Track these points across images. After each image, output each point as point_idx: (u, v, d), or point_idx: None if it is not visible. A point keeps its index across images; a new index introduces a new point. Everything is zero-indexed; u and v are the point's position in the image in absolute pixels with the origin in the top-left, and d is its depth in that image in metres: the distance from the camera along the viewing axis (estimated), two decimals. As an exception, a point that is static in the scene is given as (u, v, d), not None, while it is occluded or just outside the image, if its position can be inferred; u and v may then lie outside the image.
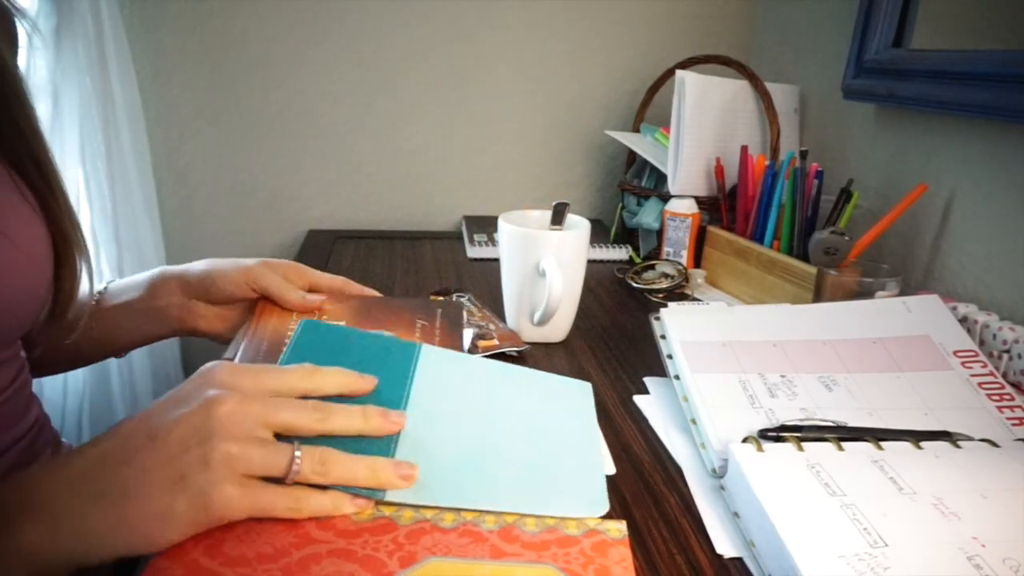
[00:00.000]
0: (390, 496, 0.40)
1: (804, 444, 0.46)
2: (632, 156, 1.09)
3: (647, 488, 0.48)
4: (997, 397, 0.53)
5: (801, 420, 0.50)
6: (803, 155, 0.79)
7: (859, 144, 0.92)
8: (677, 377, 0.56)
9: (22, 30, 0.51)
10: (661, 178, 0.99)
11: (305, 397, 0.41)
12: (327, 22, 1.08)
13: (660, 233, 0.96)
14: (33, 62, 0.80)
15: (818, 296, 0.70)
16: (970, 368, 0.55)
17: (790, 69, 1.09)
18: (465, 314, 0.70)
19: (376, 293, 0.64)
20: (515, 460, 0.45)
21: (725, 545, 0.42)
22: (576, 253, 0.67)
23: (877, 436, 0.47)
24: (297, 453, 0.37)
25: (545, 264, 0.64)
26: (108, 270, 0.94)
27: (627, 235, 1.06)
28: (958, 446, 0.47)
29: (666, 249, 0.95)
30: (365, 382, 0.44)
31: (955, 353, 0.57)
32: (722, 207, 0.93)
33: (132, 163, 0.98)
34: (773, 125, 0.95)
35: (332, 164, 1.16)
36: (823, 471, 0.43)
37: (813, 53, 1.03)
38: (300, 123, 1.13)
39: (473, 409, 0.48)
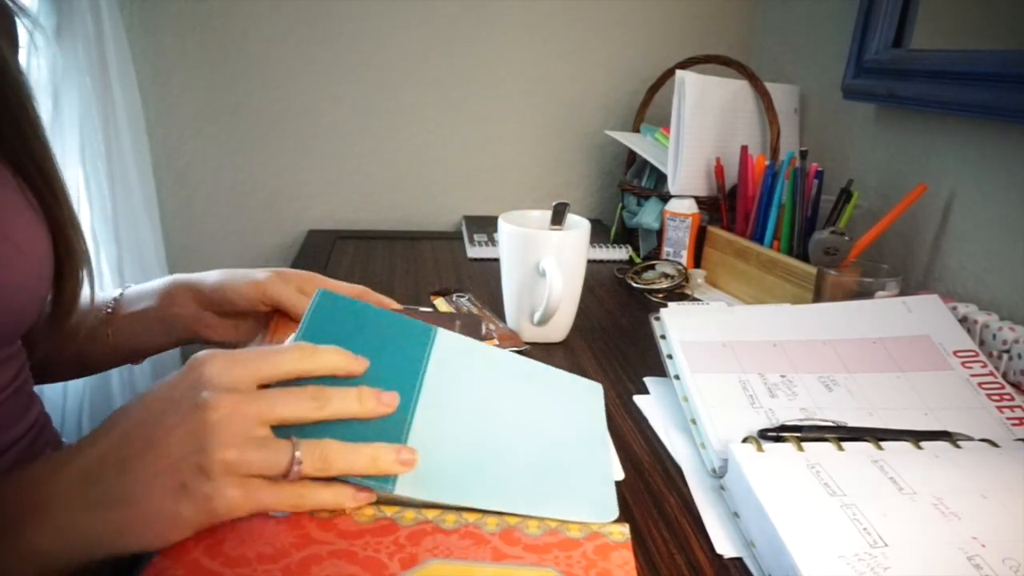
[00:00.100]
0: (399, 490, 0.39)
1: (804, 444, 0.46)
2: (632, 156, 1.09)
3: (647, 488, 0.48)
4: (997, 397, 0.53)
5: (801, 420, 0.50)
6: (803, 155, 0.79)
7: (859, 144, 0.92)
8: (677, 377, 0.56)
9: (22, 29, 0.51)
10: (661, 178, 0.99)
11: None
12: (327, 22, 1.08)
13: (660, 233, 0.96)
14: (34, 62, 0.80)
15: (818, 296, 0.70)
16: (970, 368, 0.55)
17: (790, 69, 1.09)
18: (484, 327, 0.69)
19: (395, 304, 0.63)
20: (526, 461, 0.44)
21: (725, 545, 0.42)
22: (576, 253, 0.67)
23: (877, 436, 0.47)
24: (298, 453, 0.37)
25: (545, 264, 0.64)
26: (108, 270, 0.94)
27: (627, 235, 1.06)
28: (958, 446, 0.47)
29: (666, 249, 0.95)
30: (358, 364, 0.42)
31: (955, 353, 0.57)
32: (722, 207, 0.93)
33: (132, 163, 0.98)
34: (773, 125, 0.95)
35: (332, 164, 1.16)
36: (823, 471, 0.43)
37: (813, 53, 1.03)
38: (300, 123, 1.13)
39: (486, 403, 0.47)
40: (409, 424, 0.42)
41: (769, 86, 0.96)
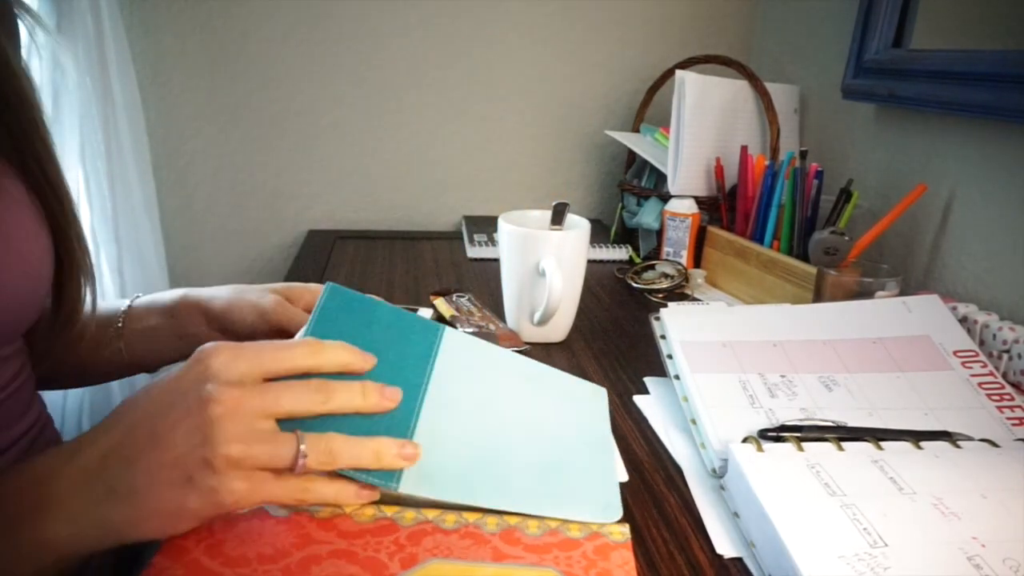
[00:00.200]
0: (403, 487, 0.39)
1: (804, 444, 0.46)
2: (632, 156, 1.09)
3: (647, 488, 0.48)
4: (997, 397, 0.53)
5: (801, 420, 0.50)
6: (803, 155, 0.79)
7: (859, 144, 0.92)
8: (677, 377, 0.56)
9: (23, 29, 0.51)
10: (661, 178, 0.99)
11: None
12: (327, 23, 1.08)
13: (660, 233, 0.96)
14: (35, 62, 0.80)
15: (818, 296, 0.70)
16: (970, 368, 0.55)
17: (790, 69, 1.09)
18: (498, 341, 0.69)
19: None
20: (530, 461, 0.44)
21: (725, 545, 0.42)
22: (576, 253, 0.67)
23: (877, 436, 0.47)
24: (303, 447, 0.37)
25: (545, 264, 0.64)
26: (108, 270, 0.94)
27: (627, 235, 1.06)
28: (958, 446, 0.47)
29: (666, 249, 0.95)
30: (365, 360, 0.42)
31: (955, 353, 0.57)
32: (722, 207, 0.93)
33: (132, 163, 0.98)
34: (773, 125, 0.95)
35: (332, 164, 1.16)
36: (823, 471, 0.43)
37: (813, 53, 1.03)
38: (300, 123, 1.13)
39: (491, 402, 0.47)
40: (415, 421, 0.43)
41: (769, 86, 0.96)
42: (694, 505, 0.46)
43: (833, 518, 0.39)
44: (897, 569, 0.36)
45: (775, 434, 0.48)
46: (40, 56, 0.81)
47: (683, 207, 0.92)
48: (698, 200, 0.93)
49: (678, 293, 0.88)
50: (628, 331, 0.76)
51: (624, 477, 0.47)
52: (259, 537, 0.38)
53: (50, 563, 0.36)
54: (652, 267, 0.92)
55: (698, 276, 0.90)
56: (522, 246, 0.66)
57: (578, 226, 0.70)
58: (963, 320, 0.61)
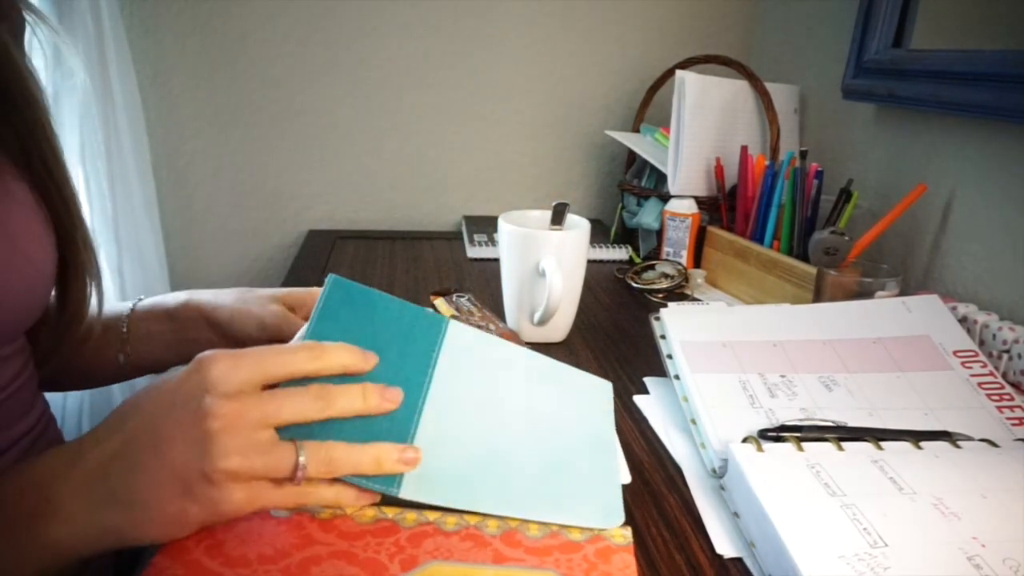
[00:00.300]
0: (404, 492, 0.39)
1: (804, 444, 0.46)
2: (632, 156, 1.09)
3: (647, 488, 0.48)
4: (997, 397, 0.53)
5: (801, 420, 0.50)
6: (803, 155, 0.79)
7: (859, 144, 0.92)
8: (677, 377, 0.56)
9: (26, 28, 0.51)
10: (661, 178, 0.99)
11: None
12: (327, 23, 1.08)
13: (660, 233, 0.96)
14: (36, 61, 0.80)
15: (818, 296, 0.70)
16: (970, 368, 0.55)
17: (790, 69, 1.09)
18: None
19: None
20: (532, 463, 0.44)
21: (725, 545, 0.42)
22: (576, 253, 0.67)
23: (877, 436, 0.47)
24: (302, 459, 0.36)
25: (545, 264, 0.64)
26: (108, 270, 0.94)
27: (627, 235, 1.06)
28: (958, 446, 0.47)
29: (666, 249, 0.95)
30: (366, 360, 0.42)
31: (955, 353, 0.57)
32: (722, 207, 0.93)
33: (132, 163, 0.98)
34: (773, 125, 0.95)
35: (332, 164, 1.16)
36: (823, 471, 0.43)
37: (813, 53, 1.03)
38: (300, 123, 1.13)
39: (494, 401, 0.47)
40: (416, 422, 0.42)
41: (769, 86, 0.96)
42: (694, 505, 0.46)
43: (833, 518, 0.39)
44: (897, 569, 0.36)
45: (775, 434, 0.48)
46: (44, 54, 0.81)
47: (683, 207, 0.92)
48: (698, 200, 0.93)
49: (678, 293, 0.88)
50: (628, 331, 0.76)
51: (627, 479, 0.47)
52: (259, 537, 0.38)
53: (52, 564, 0.36)
54: (652, 267, 0.92)
55: (698, 276, 0.90)
56: (522, 246, 0.66)
57: (578, 226, 0.70)
58: (963, 320, 0.61)
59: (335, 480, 0.39)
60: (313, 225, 1.18)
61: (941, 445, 0.47)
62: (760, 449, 0.45)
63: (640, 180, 1.05)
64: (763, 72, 1.00)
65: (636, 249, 1.02)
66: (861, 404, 0.52)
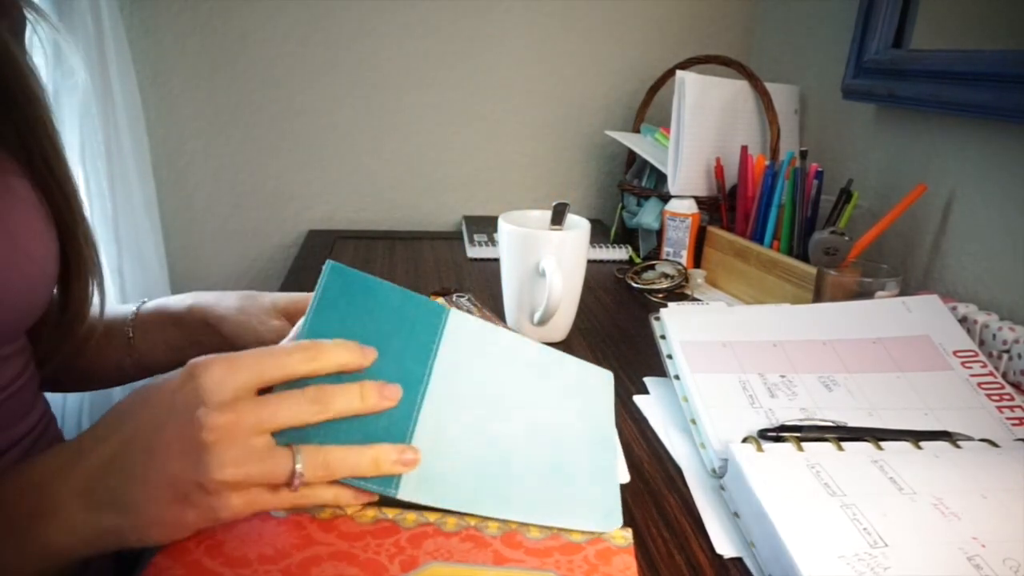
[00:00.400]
0: (402, 494, 0.39)
1: (804, 444, 0.46)
2: (632, 156, 1.09)
3: (647, 488, 0.48)
4: (997, 397, 0.53)
5: (801, 420, 0.50)
6: (803, 155, 0.79)
7: (859, 144, 0.92)
8: (677, 377, 0.56)
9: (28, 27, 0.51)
10: (661, 178, 0.99)
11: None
12: (327, 23, 1.08)
13: (660, 233, 0.96)
14: (37, 59, 0.80)
15: (818, 296, 0.70)
16: (970, 368, 0.55)
17: (790, 69, 1.09)
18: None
19: None
20: (531, 464, 0.44)
21: (725, 545, 0.42)
22: (576, 253, 0.67)
23: (877, 436, 0.47)
24: (299, 467, 0.36)
25: (545, 264, 0.64)
26: (108, 270, 0.94)
27: (627, 235, 1.06)
28: (958, 446, 0.47)
29: (666, 249, 0.95)
30: (364, 356, 0.41)
31: (955, 353, 0.57)
32: (722, 207, 0.93)
33: (132, 163, 0.98)
34: (773, 125, 0.95)
35: (332, 164, 1.16)
36: (823, 471, 0.43)
37: (813, 53, 1.03)
38: (300, 123, 1.13)
39: (494, 396, 0.46)
40: (415, 420, 0.42)
41: (769, 86, 0.96)
42: (694, 505, 0.46)
43: (833, 518, 0.39)
44: (897, 569, 0.36)
45: (775, 434, 0.48)
46: (45, 52, 0.81)
47: (683, 207, 0.92)
48: (698, 200, 0.93)
49: (678, 293, 0.88)
50: (628, 331, 0.76)
51: (625, 478, 0.47)
52: (260, 538, 0.38)
53: (51, 564, 0.36)
54: (652, 267, 0.92)
55: (698, 276, 0.90)
56: (522, 246, 0.66)
57: (578, 226, 0.70)
58: (963, 320, 0.62)
59: (333, 482, 0.39)
60: (313, 225, 1.18)
61: (941, 445, 0.47)
62: (760, 449, 0.45)
63: (640, 180, 1.05)
64: (763, 72, 1.00)
65: (636, 249, 1.02)
66: (861, 404, 0.52)
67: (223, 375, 0.36)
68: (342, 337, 0.41)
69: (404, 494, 0.39)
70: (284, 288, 0.87)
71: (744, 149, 0.88)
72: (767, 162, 0.85)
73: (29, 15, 0.50)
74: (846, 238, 0.72)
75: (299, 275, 0.93)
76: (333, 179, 1.17)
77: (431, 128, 1.16)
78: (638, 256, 1.01)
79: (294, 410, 0.37)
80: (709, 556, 0.41)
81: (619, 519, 0.42)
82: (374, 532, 0.39)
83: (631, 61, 1.18)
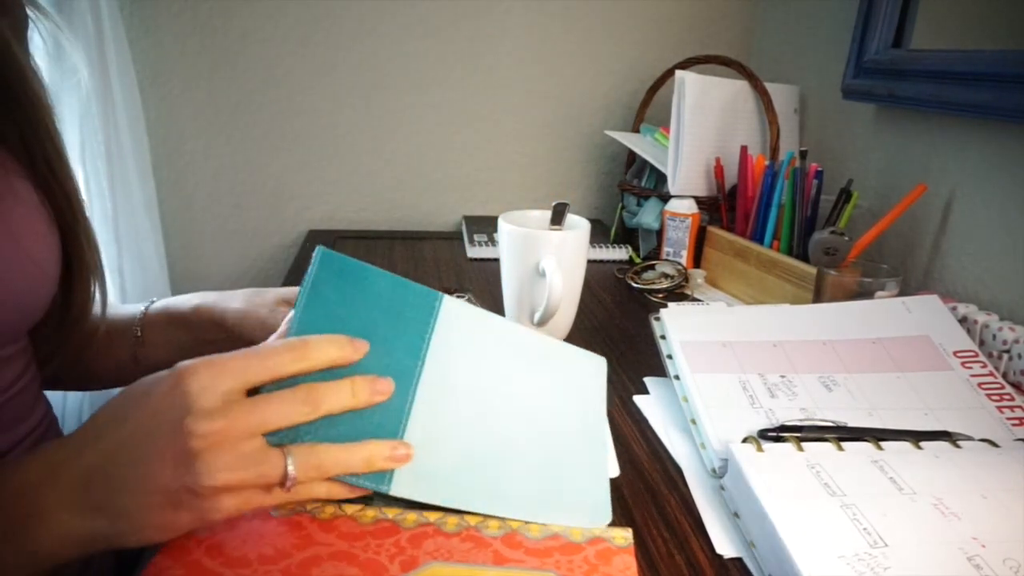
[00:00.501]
0: (395, 490, 0.39)
1: (804, 444, 0.46)
2: (632, 156, 1.09)
3: (647, 488, 0.48)
4: (997, 397, 0.53)
5: (801, 420, 0.50)
6: (803, 155, 0.79)
7: (859, 144, 0.92)
8: (677, 377, 0.56)
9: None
10: (661, 178, 0.99)
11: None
12: (327, 23, 1.08)
13: (660, 233, 0.96)
14: (39, 59, 0.80)
15: (818, 296, 0.70)
16: (970, 368, 0.55)
17: (790, 69, 1.09)
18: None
19: None
20: (523, 459, 0.44)
21: (725, 545, 0.42)
22: (576, 253, 0.67)
23: (877, 436, 0.47)
24: (291, 468, 0.36)
25: (545, 264, 0.64)
26: (108, 270, 0.94)
27: (627, 235, 1.06)
28: (958, 446, 0.47)
29: (666, 249, 0.95)
30: (356, 350, 0.40)
31: (955, 353, 0.57)
32: (722, 207, 0.93)
33: (132, 163, 0.98)
34: (773, 125, 0.95)
35: (332, 164, 1.16)
36: (823, 471, 0.43)
37: (813, 53, 1.03)
38: (300, 123, 1.13)
39: (487, 387, 0.46)
40: (408, 412, 0.42)
41: (769, 86, 0.96)
42: (694, 505, 0.46)
43: (833, 518, 0.39)
44: (897, 569, 0.36)
45: (775, 434, 0.48)
46: (47, 51, 0.81)
47: (683, 207, 0.92)
48: (698, 200, 0.93)
49: (678, 293, 0.88)
50: (628, 331, 0.76)
51: (615, 472, 0.47)
52: (260, 538, 0.38)
53: (45, 567, 0.36)
54: (652, 267, 0.92)
55: (698, 276, 0.90)
56: (522, 246, 0.66)
57: (578, 226, 0.70)
58: (963, 320, 0.61)
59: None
60: (313, 225, 1.18)
61: (941, 445, 0.47)
62: (760, 449, 0.45)
63: (640, 180, 1.05)
64: (763, 72, 1.00)
65: (636, 249, 1.02)
66: (861, 404, 0.52)
67: (210, 380, 0.35)
68: (334, 327, 0.41)
69: (397, 490, 0.39)
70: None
71: (744, 149, 0.88)
72: (767, 162, 0.85)
73: (31, 13, 0.50)
74: (846, 238, 0.72)
75: (299, 275, 0.92)
76: (333, 179, 1.17)
77: (431, 128, 1.16)
78: (638, 256, 1.01)
79: (284, 411, 0.37)
80: (709, 556, 0.41)
81: (608, 515, 0.42)
82: (374, 532, 0.39)
83: (631, 61, 1.18)
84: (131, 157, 0.97)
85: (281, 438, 0.37)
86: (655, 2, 1.15)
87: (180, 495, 0.34)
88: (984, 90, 0.67)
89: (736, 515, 0.44)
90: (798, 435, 0.47)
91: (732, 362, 0.56)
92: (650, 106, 1.09)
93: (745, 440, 0.47)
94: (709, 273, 0.92)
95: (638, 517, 0.45)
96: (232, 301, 0.58)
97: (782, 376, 0.55)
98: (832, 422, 0.50)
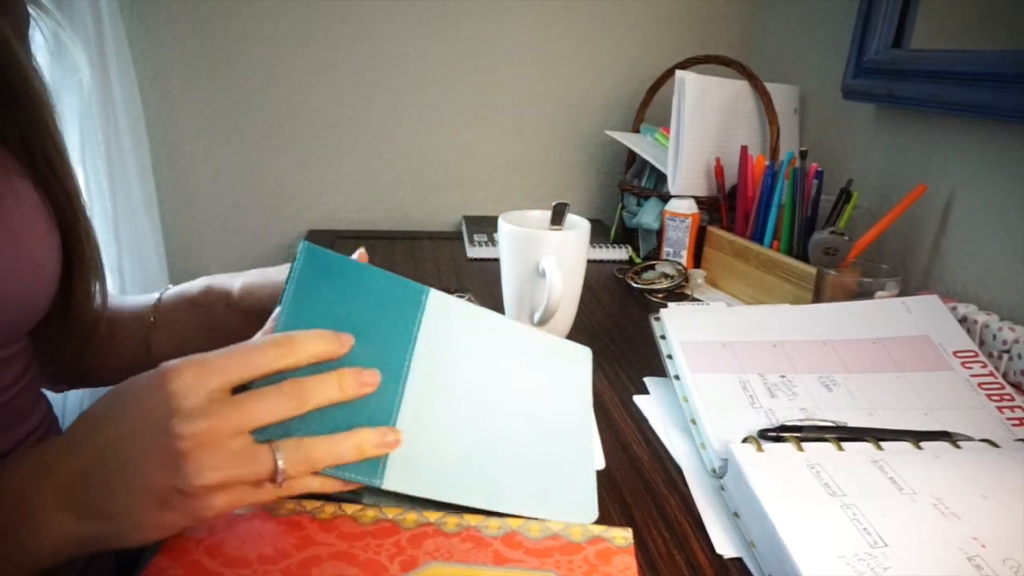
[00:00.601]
0: (387, 484, 0.39)
1: (804, 444, 0.46)
2: (632, 156, 1.09)
3: (647, 488, 0.48)
4: (997, 397, 0.53)
5: (801, 420, 0.50)
6: (803, 155, 0.79)
7: (859, 144, 0.92)
8: (677, 377, 0.56)
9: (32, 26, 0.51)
10: (661, 178, 0.99)
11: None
12: (328, 23, 1.08)
13: (660, 233, 0.96)
14: (37, 59, 0.80)
15: (818, 296, 0.70)
16: (970, 368, 0.55)
17: (790, 69, 1.09)
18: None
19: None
20: (512, 452, 0.44)
21: (725, 545, 0.42)
22: (576, 253, 0.67)
23: (877, 436, 0.47)
24: (280, 463, 0.36)
25: (545, 264, 0.64)
26: (108, 270, 0.94)
27: (627, 235, 1.06)
28: (958, 446, 0.47)
29: (666, 249, 0.95)
30: (341, 344, 0.40)
31: (955, 353, 0.57)
32: (722, 207, 0.93)
33: (132, 163, 0.98)
34: (773, 125, 0.95)
35: (332, 164, 1.16)
36: (823, 471, 0.43)
37: (813, 53, 1.03)
38: (300, 123, 1.13)
39: (475, 379, 0.46)
40: (398, 405, 0.42)
41: (769, 86, 0.96)
42: (694, 505, 0.46)
43: (833, 518, 0.39)
44: (897, 569, 0.36)
45: (775, 434, 0.48)
46: (49, 50, 0.81)
47: (683, 207, 0.92)
48: (698, 200, 0.93)
49: (678, 293, 0.88)
50: (628, 331, 0.76)
51: (601, 464, 0.48)
52: (260, 538, 0.38)
53: (38, 569, 0.36)
54: (652, 267, 0.92)
55: (698, 276, 0.90)
56: (522, 246, 0.66)
57: (578, 226, 0.70)
58: (963, 320, 0.62)
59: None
60: (313, 225, 1.18)
61: (941, 445, 0.47)
62: (760, 449, 0.45)
63: (640, 180, 1.05)
64: (763, 72, 1.00)
65: (636, 249, 1.02)
66: (861, 404, 0.52)
67: (194, 379, 0.35)
68: (320, 323, 0.41)
69: (389, 484, 0.39)
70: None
71: (744, 149, 0.88)
72: (767, 162, 0.85)
73: (32, 11, 0.50)
74: (846, 238, 0.72)
75: (299, 275, 0.92)
76: (333, 179, 1.17)
77: (431, 128, 1.16)
78: (638, 256, 1.01)
79: (271, 407, 0.37)
80: (709, 556, 0.41)
81: (595, 511, 0.42)
82: (374, 532, 0.39)
83: (631, 61, 1.18)
84: (131, 157, 0.97)
85: (270, 434, 0.37)
86: (655, 2, 1.15)
87: (170, 496, 0.34)
88: (984, 90, 0.67)
89: (736, 515, 0.44)
90: (798, 435, 0.47)
91: (732, 362, 0.56)
92: (650, 106, 1.09)
93: (745, 440, 0.47)
94: (709, 273, 0.92)
95: (638, 517, 0.45)
96: (239, 278, 0.58)
97: (782, 376, 0.55)
98: (832, 422, 0.50)
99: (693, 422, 0.53)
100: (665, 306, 0.81)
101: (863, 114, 0.91)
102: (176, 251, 1.14)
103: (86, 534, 0.35)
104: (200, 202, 1.14)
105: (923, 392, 0.54)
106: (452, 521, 0.40)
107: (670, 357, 0.58)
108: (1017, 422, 0.51)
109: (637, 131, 1.09)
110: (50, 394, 0.55)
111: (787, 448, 0.46)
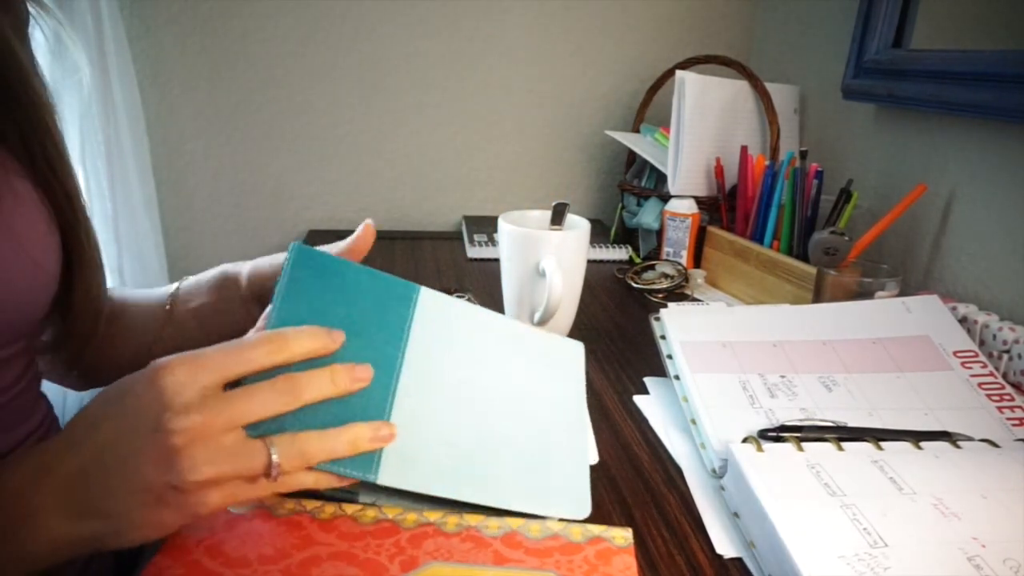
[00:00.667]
0: (382, 479, 0.39)
1: (804, 444, 0.46)
2: (632, 156, 1.09)
3: (647, 488, 0.48)
4: (997, 397, 0.53)
5: (801, 420, 0.50)
6: (803, 155, 0.79)
7: (859, 144, 0.92)
8: (677, 377, 0.56)
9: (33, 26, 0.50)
10: (661, 178, 0.99)
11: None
12: (327, 23, 1.08)
13: (660, 233, 0.96)
14: (37, 58, 0.80)
15: (818, 296, 0.70)
16: (970, 368, 0.55)
17: (790, 69, 1.09)
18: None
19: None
20: (506, 447, 0.44)
21: (725, 545, 0.42)
22: (576, 253, 0.67)
23: (877, 436, 0.47)
24: (275, 457, 0.36)
25: (545, 264, 0.64)
26: (108, 270, 0.94)
27: (627, 235, 1.06)
28: (958, 446, 0.47)
29: (666, 249, 0.95)
30: (333, 340, 0.40)
31: (955, 353, 0.57)
32: (722, 207, 0.93)
33: (132, 163, 0.98)
34: (773, 125, 0.95)
35: (332, 164, 1.16)
36: (823, 471, 0.43)
37: (813, 53, 1.03)
38: (300, 123, 1.13)
39: (468, 375, 0.46)
40: (392, 400, 0.42)
41: (769, 86, 0.96)
42: (694, 505, 0.46)
43: (833, 518, 0.39)
44: (897, 569, 0.36)
45: (775, 434, 0.48)
46: (49, 49, 0.81)
47: (683, 207, 0.92)
48: (698, 200, 0.93)
49: (678, 293, 0.88)
50: (628, 331, 0.76)
51: (595, 459, 0.48)
52: (260, 538, 0.38)
53: (36, 570, 0.36)
54: (652, 267, 0.92)
55: (698, 276, 0.90)
56: (522, 246, 0.66)
57: (578, 226, 0.70)
58: (963, 320, 0.61)
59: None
60: (313, 225, 1.18)
61: (941, 445, 0.47)
62: (760, 449, 0.45)
63: (640, 180, 1.05)
64: (763, 72, 1.00)
65: (636, 249, 1.02)
66: (861, 404, 0.52)
67: (186, 376, 0.35)
68: (311, 320, 0.41)
69: (384, 479, 0.39)
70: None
71: (744, 149, 0.88)
72: (767, 162, 0.85)
73: (32, 9, 0.50)
74: (846, 238, 0.72)
75: (299, 275, 0.92)
76: (333, 179, 1.17)
77: (431, 128, 1.16)
78: (638, 256, 1.01)
79: (264, 402, 0.37)
80: (709, 556, 0.41)
81: (588, 507, 0.43)
82: (374, 532, 0.39)
83: (631, 61, 1.18)
84: (131, 157, 0.97)
85: (265, 429, 0.37)
86: (655, 2, 1.15)
87: (165, 492, 0.34)
88: (984, 90, 0.67)
89: (736, 515, 0.44)
90: (798, 435, 0.47)
91: (732, 362, 0.56)
92: (650, 106, 1.09)
93: (745, 440, 0.47)
94: (709, 273, 0.92)
95: (638, 517, 0.45)
96: (250, 262, 0.60)
97: (782, 376, 0.55)
98: (832, 422, 0.50)
99: (693, 422, 0.53)
100: (665, 306, 0.81)
101: (863, 114, 0.91)
102: (176, 251, 1.14)
103: (85, 534, 0.35)
104: (200, 202, 1.14)
105: (923, 392, 0.54)
106: (452, 521, 0.40)
107: (670, 357, 0.58)
108: (1017, 422, 0.51)
109: (637, 131, 1.09)
110: (50, 394, 0.55)
111: (787, 448, 0.46)
